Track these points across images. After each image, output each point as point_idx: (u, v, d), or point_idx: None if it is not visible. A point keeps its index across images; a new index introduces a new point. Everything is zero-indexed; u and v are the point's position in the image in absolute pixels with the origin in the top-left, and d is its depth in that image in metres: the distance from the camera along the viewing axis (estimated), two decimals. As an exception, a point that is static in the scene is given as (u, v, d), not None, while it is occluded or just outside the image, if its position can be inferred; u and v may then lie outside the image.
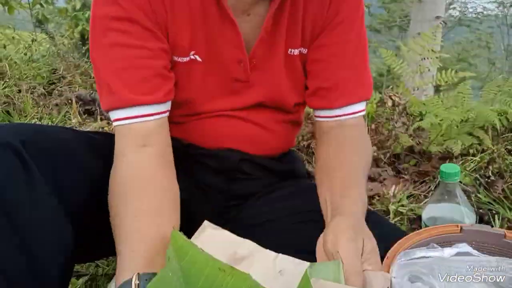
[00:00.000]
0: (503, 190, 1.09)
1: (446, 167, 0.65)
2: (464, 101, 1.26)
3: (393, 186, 1.18)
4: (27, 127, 0.64)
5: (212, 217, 0.62)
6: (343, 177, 0.67)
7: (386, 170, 1.22)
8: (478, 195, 1.10)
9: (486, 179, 1.11)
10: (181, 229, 0.85)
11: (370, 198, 1.16)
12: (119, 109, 0.64)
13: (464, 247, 0.54)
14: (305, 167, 1.03)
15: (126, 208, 0.59)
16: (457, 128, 1.25)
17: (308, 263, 0.53)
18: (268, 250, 0.56)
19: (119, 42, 0.63)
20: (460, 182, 1.15)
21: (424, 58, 1.57)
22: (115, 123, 0.65)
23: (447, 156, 1.23)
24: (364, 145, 0.76)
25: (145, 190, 0.61)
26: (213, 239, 0.57)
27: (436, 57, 1.54)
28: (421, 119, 1.39)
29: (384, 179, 1.20)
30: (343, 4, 0.73)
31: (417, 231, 0.57)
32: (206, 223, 0.59)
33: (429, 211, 0.70)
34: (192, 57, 0.70)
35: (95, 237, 0.67)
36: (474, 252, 0.55)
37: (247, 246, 0.56)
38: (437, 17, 2.97)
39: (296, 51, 0.76)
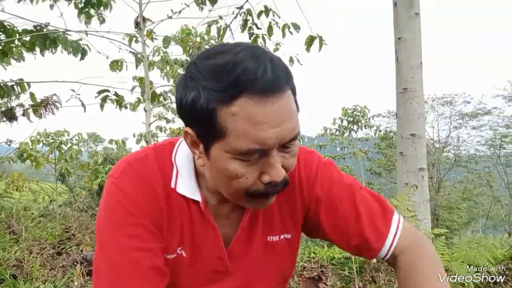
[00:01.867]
0: None
1: None
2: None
3: None
4: None
5: None
6: None
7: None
8: None
9: None
10: None
11: None
12: None
13: None
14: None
15: None
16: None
17: None
18: None
19: (129, 246, 0.72)
20: None
21: (403, 216, 1.69)
22: None
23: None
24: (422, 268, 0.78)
25: None
26: None
27: (411, 216, 1.66)
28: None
29: None
30: (315, 188, 0.84)
31: None
32: None
33: None
34: (179, 252, 0.81)
35: None
36: None
37: None
38: (421, 169, 3.20)
39: (275, 238, 0.86)
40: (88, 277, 1.69)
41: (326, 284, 1.43)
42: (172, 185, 0.78)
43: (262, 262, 0.86)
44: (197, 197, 0.78)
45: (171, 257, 0.80)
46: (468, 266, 1.27)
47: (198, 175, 0.80)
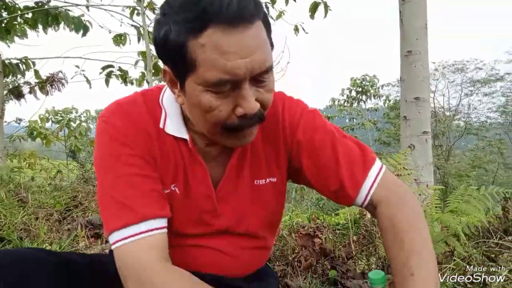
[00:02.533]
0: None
1: (373, 273, 0.73)
2: (432, 212, 1.34)
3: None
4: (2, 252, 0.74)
5: None
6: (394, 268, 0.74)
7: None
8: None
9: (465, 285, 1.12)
10: None
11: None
12: (137, 224, 0.72)
13: None
14: (278, 282, 1.08)
15: None
16: (434, 237, 1.31)
17: None
18: None
19: (129, 173, 0.75)
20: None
21: (399, 175, 1.68)
22: (130, 239, 0.71)
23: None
24: (398, 223, 0.77)
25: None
26: None
27: (408, 174, 1.65)
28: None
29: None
30: (297, 133, 0.85)
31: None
32: None
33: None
34: (172, 188, 0.83)
35: None
36: None
37: None
38: (424, 132, 3.17)
39: (261, 181, 0.88)
40: (92, 239, 1.76)
41: (320, 238, 1.47)
42: (161, 126, 0.80)
43: (250, 204, 0.88)
44: (185, 135, 0.80)
45: (166, 192, 0.83)
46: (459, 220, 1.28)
47: (185, 118, 0.82)
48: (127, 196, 0.74)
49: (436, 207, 1.39)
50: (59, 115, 8.93)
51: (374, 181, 0.83)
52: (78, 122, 9.04)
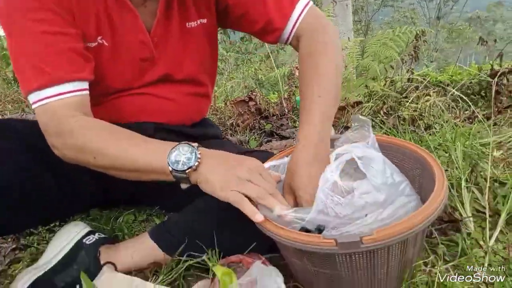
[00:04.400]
0: (394, 125, 1.27)
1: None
2: (353, 58, 1.45)
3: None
4: None
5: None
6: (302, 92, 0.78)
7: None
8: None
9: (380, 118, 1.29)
10: (104, 202, 0.96)
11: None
12: (53, 86, 0.70)
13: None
14: (221, 132, 1.16)
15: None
16: (355, 81, 1.44)
17: None
18: None
19: (41, 30, 0.70)
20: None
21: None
22: (47, 101, 0.70)
23: (344, 106, 1.41)
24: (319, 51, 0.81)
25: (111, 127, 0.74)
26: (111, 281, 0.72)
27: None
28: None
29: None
30: None
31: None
32: (104, 267, 0.75)
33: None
34: (99, 41, 0.80)
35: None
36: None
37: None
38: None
39: (193, 23, 0.88)
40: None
41: (255, 101, 1.54)
42: None
43: (184, 49, 0.89)
44: None
45: (92, 46, 0.79)
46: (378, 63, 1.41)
47: None
48: (40, 57, 0.71)
49: (358, 60, 1.50)
50: None
51: (301, 12, 0.86)
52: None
